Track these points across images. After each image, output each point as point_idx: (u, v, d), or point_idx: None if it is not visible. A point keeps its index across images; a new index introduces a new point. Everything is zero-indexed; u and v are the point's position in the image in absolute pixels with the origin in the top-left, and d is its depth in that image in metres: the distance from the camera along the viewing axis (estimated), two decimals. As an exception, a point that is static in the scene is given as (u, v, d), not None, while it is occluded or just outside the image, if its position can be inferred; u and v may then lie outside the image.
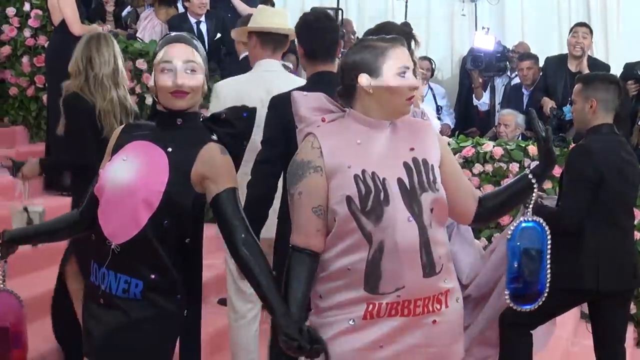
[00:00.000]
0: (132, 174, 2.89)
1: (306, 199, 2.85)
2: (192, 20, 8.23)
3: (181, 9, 8.68)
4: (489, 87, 9.28)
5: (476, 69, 9.08)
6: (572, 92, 4.57)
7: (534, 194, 2.99)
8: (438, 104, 9.39)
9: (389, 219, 2.79)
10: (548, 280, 3.03)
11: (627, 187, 4.45)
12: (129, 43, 8.02)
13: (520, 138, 7.66)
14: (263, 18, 4.54)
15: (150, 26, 8.67)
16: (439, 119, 9.12)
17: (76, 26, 6.97)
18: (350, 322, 2.84)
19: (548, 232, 3.02)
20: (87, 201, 3.08)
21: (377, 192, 2.80)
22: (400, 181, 2.83)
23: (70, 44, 6.87)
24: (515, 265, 3.02)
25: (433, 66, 9.61)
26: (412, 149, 2.89)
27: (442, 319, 2.89)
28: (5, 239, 3.14)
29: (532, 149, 6.90)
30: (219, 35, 8.22)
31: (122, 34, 8.33)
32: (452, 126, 9.29)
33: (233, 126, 3.01)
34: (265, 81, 4.35)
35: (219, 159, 2.93)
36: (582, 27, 8.10)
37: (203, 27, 8.26)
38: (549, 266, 3.02)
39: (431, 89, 9.38)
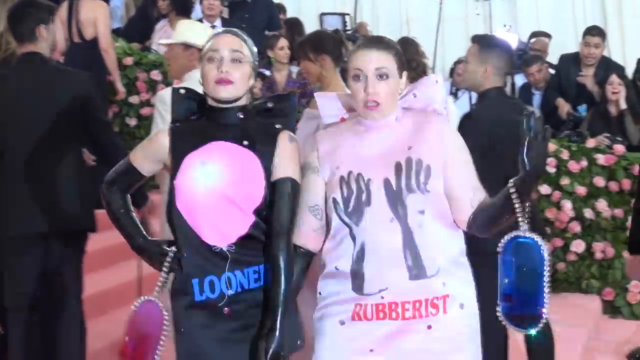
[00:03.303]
0: (223, 175, 2.84)
1: (304, 197, 2.91)
2: (207, 25, 8.24)
3: (195, 17, 8.71)
4: (509, 85, 9.16)
5: None
6: (468, 53, 4.46)
7: (528, 207, 2.73)
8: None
9: (369, 219, 2.78)
10: (547, 305, 2.67)
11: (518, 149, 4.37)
12: (143, 55, 8.02)
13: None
14: (204, 35, 4.58)
15: (165, 37, 8.69)
16: None
17: (111, 49, 7.19)
18: (340, 323, 2.85)
19: (546, 252, 2.70)
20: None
21: (360, 193, 2.80)
22: (386, 182, 2.79)
23: (102, 59, 7.12)
24: (507, 282, 2.72)
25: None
26: (409, 148, 2.83)
27: (439, 325, 2.79)
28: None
29: (549, 146, 6.79)
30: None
31: (136, 46, 8.35)
32: None
33: (287, 115, 3.00)
34: None
35: (291, 147, 2.93)
36: (595, 38, 8.00)
37: None
38: (547, 289, 2.68)
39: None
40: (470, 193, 2.82)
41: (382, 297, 2.78)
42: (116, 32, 8.47)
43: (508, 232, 2.76)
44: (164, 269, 2.92)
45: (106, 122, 4.42)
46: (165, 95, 4.52)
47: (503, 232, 2.80)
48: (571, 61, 8.20)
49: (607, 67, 7.92)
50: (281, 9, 9.80)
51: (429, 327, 2.79)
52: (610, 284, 6.78)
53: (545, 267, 2.67)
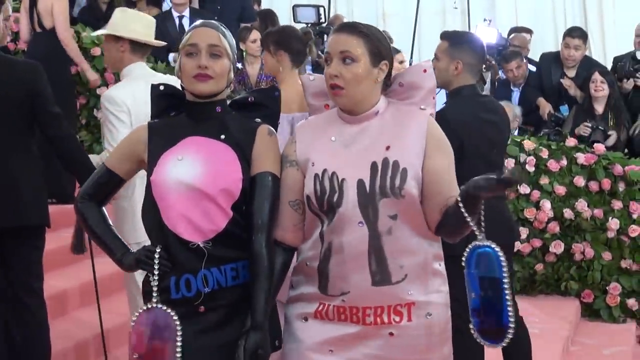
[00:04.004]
0: (199, 170, 2.82)
1: (284, 192, 2.85)
2: (175, 14, 8.12)
3: (165, 8, 8.57)
4: (489, 80, 9.04)
5: None
6: (437, 49, 4.35)
7: (482, 215, 2.68)
8: None
9: (338, 220, 2.73)
10: (511, 312, 2.61)
11: (489, 148, 4.28)
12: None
13: (517, 132, 7.49)
14: (138, 27, 4.50)
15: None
16: None
17: (68, 40, 7.04)
18: (304, 319, 2.84)
19: (503, 258, 2.62)
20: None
21: (332, 193, 2.74)
22: (360, 183, 2.73)
23: (63, 49, 7.00)
24: (474, 296, 2.66)
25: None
26: (387, 148, 2.75)
27: (401, 333, 2.76)
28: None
29: (528, 144, 6.80)
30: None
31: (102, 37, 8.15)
32: None
33: (268, 107, 2.97)
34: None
35: (270, 141, 2.90)
36: (575, 40, 7.92)
37: (185, 22, 8.15)
38: (509, 296, 2.61)
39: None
40: (444, 201, 2.74)
41: (344, 301, 2.77)
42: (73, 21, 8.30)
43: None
44: (155, 272, 2.82)
45: (55, 114, 4.27)
46: (113, 94, 4.40)
47: (470, 237, 2.78)
48: (552, 61, 8.14)
49: (590, 67, 7.82)
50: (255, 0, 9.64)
51: (391, 334, 2.77)
52: (589, 285, 6.73)
53: (503, 274, 2.60)
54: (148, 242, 2.91)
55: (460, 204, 2.63)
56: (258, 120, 2.93)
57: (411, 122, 2.80)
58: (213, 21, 2.98)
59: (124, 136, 3.98)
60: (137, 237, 3.96)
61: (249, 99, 2.97)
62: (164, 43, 4.94)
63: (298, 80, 4.46)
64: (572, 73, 7.96)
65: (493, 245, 2.64)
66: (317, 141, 2.84)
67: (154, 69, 7.29)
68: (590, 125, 7.07)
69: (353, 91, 2.77)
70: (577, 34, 8.03)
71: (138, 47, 4.43)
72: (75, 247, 4.18)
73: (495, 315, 2.62)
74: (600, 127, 7.03)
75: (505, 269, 2.60)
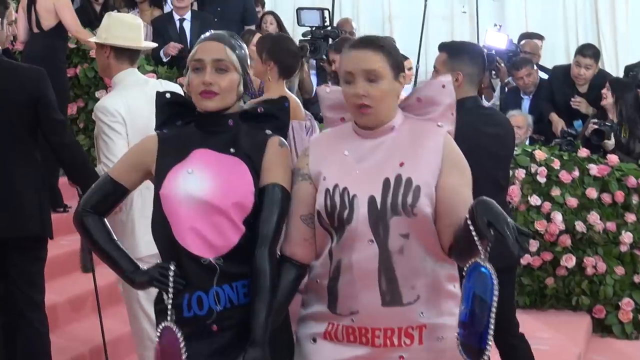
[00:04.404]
0: (210, 183, 2.79)
1: (296, 206, 2.81)
2: (176, 17, 8.06)
3: (167, 10, 8.49)
4: (498, 87, 8.87)
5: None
6: (436, 61, 4.25)
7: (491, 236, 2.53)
8: None
9: (348, 238, 2.67)
10: (490, 337, 2.53)
11: (493, 162, 4.18)
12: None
13: (528, 142, 7.33)
14: (122, 32, 4.35)
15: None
16: None
17: (82, 33, 6.96)
18: (312, 340, 2.80)
19: (496, 285, 2.53)
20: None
21: (343, 209, 2.68)
22: (371, 200, 2.66)
23: (61, 51, 7.07)
24: (463, 309, 2.58)
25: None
26: (401, 164, 2.69)
27: (411, 356, 2.71)
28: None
29: (539, 154, 6.65)
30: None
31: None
32: None
33: (278, 118, 2.96)
34: (146, 93, 4.11)
35: (281, 152, 2.88)
36: (586, 59, 7.70)
37: (186, 26, 8.08)
38: (492, 321, 2.53)
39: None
40: (458, 221, 2.62)
41: (353, 320, 2.73)
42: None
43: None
44: (170, 289, 2.78)
45: (59, 121, 4.23)
46: (106, 104, 4.26)
47: None
48: (564, 75, 7.95)
49: (601, 77, 7.68)
50: (259, 1, 9.48)
51: (401, 357, 2.73)
52: (601, 301, 6.55)
53: (493, 301, 2.50)
54: (148, 257, 2.79)
55: (469, 222, 2.52)
56: (269, 131, 2.90)
57: (427, 140, 2.72)
58: (221, 32, 2.94)
59: (120, 147, 3.90)
60: (139, 252, 3.87)
61: (259, 110, 2.94)
62: (153, 45, 4.85)
63: (284, 90, 4.49)
64: (584, 89, 7.78)
65: (491, 271, 2.53)
66: (330, 155, 2.79)
67: (154, 72, 7.20)
68: (598, 122, 6.95)
69: (381, 109, 2.72)
70: (589, 52, 7.80)
71: (121, 53, 4.29)
72: (85, 266, 4.11)
73: (478, 335, 2.54)
74: (607, 123, 6.90)
75: (496, 296, 2.50)
